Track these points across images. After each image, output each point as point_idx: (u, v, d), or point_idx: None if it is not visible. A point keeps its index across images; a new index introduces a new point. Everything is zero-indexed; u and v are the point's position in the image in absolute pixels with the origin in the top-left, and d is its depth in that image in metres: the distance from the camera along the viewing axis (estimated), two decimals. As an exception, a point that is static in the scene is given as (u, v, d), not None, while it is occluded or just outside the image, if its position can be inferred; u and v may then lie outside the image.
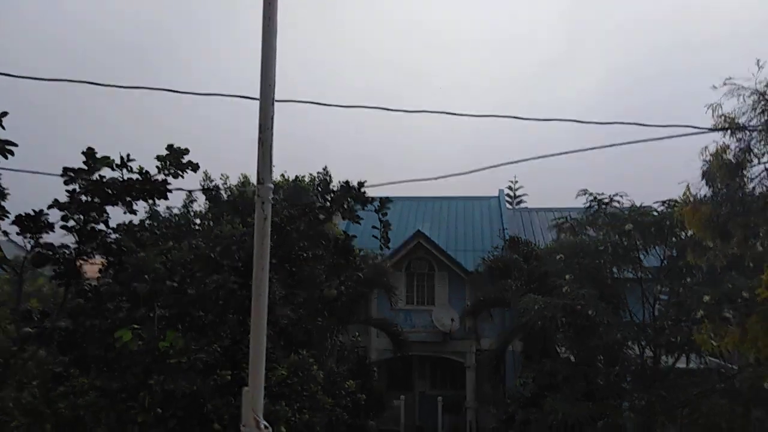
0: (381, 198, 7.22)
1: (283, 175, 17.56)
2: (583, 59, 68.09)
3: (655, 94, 61.22)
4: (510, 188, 43.61)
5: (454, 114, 6.78)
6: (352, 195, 6.84)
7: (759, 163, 6.47)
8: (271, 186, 2.79)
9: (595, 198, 15.07)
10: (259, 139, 2.78)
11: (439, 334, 19.49)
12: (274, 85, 2.78)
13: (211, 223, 14.57)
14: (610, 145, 6.12)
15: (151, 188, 6.23)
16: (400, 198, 21.41)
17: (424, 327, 19.86)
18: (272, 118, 2.80)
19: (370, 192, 7.42)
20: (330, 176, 16.67)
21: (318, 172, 18.33)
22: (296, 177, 16.88)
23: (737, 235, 6.54)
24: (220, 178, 19.48)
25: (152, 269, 6.91)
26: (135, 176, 6.21)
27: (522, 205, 38.17)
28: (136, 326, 6.11)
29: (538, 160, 6.76)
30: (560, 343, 14.64)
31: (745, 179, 6.60)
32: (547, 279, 14.66)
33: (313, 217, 7.50)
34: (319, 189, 8.45)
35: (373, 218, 8.43)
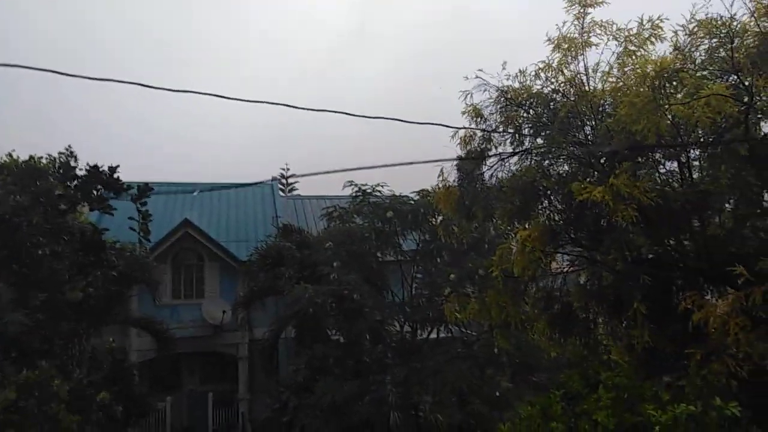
0: (139, 185, 6.40)
1: (11, 155, 14.35)
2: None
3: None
4: (282, 175, 43.84)
5: (225, 98, 6.36)
6: (103, 181, 5.92)
7: (496, 151, 7.54)
8: None
9: (360, 188, 16.09)
10: None
11: (210, 327, 18.63)
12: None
13: None
14: (409, 163, 6.42)
15: None
16: (164, 184, 19.70)
17: (193, 321, 18.74)
18: None
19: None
20: (75, 158, 13.81)
21: (60, 153, 15.43)
22: (30, 158, 13.77)
23: (479, 216, 7.57)
24: None
25: None
26: None
27: (295, 192, 38.69)
28: None
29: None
30: (331, 327, 15.24)
31: (486, 166, 7.63)
32: (317, 267, 15.09)
33: (51, 207, 6.30)
34: (60, 173, 7.08)
35: (131, 208, 7.51)
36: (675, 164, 6.98)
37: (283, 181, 39.99)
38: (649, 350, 6.50)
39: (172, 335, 16.69)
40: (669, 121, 6.29)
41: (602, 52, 7.28)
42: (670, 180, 7.08)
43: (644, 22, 6.94)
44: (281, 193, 24.94)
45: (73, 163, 11.77)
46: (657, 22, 6.85)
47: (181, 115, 67.03)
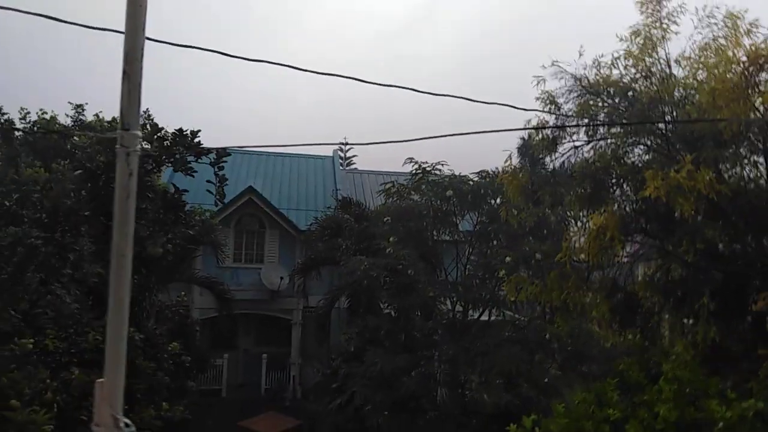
0: (217, 149, 6.68)
1: (97, 116, 15.21)
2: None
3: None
4: (341, 149, 44.31)
5: (297, 68, 6.50)
6: (186, 144, 6.23)
7: (570, 140, 7.40)
8: (139, 133, 2.26)
9: (420, 166, 16.08)
10: (124, 72, 2.20)
11: (267, 292, 19.33)
12: (146, 5, 2.26)
13: (4, 166, 12.21)
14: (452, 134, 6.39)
15: None
16: (231, 150, 20.38)
17: (252, 285, 19.51)
18: (143, 48, 2.23)
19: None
20: (154, 122, 14.47)
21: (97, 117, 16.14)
22: (113, 119, 14.58)
23: (545, 202, 7.49)
24: (19, 113, 16.21)
25: None
26: None
27: (352, 167, 39.10)
28: None
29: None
30: (383, 300, 15.50)
31: (558, 154, 7.52)
32: (374, 240, 15.32)
33: (139, 166, 6.72)
34: (146, 133, 7.50)
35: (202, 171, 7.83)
36: (761, 156, 6.65)
37: (342, 155, 40.48)
38: (715, 347, 6.33)
39: (231, 296, 17.47)
40: (757, 112, 5.99)
41: (687, 39, 6.96)
42: (756, 174, 6.74)
43: (733, 14, 6.56)
44: (340, 167, 25.29)
45: (149, 127, 12.42)
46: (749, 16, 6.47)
47: (248, 86, 68.49)
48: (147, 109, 15.90)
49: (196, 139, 6.39)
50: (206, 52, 3.84)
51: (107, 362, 2.26)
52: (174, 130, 6.35)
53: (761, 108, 5.83)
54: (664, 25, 6.95)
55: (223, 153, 6.53)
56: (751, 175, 6.87)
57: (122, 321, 2.28)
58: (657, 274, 7.29)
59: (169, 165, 6.82)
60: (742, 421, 4.52)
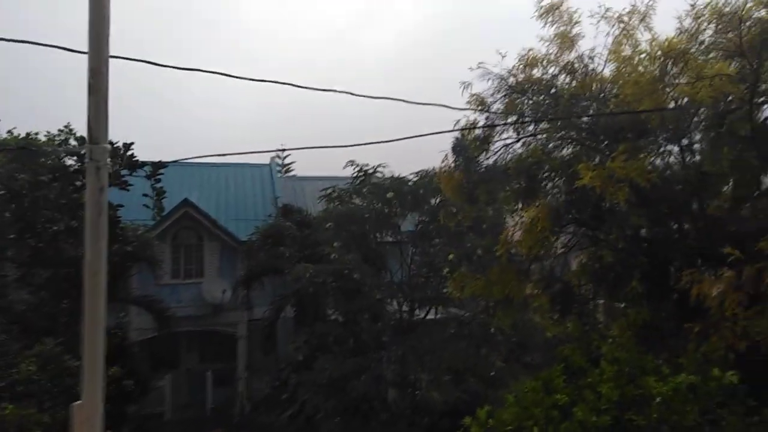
0: (154, 162, 6.42)
1: (11, 132, 14.02)
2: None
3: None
4: (279, 156, 43.68)
5: (232, 76, 6.38)
6: (119, 158, 5.97)
7: (500, 138, 7.67)
8: (108, 147, 2.19)
9: (361, 169, 16.16)
10: (90, 86, 2.16)
11: (209, 306, 18.78)
12: (109, 19, 2.17)
13: None
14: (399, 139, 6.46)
15: None
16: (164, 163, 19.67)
17: (192, 300, 18.89)
18: (107, 60, 2.19)
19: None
20: (74, 134, 13.19)
21: (59, 130, 15.05)
22: (27, 134, 13.34)
23: (481, 200, 7.72)
24: None
25: None
26: None
27: (291, 173, 38.62)
28: None
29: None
30: (330, 306, 15.43)
31: (490, 152, 7.77)
32: (318, 246, 15.24)
33: (68, 183, 6.34)
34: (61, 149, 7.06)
35: (138, 185, 7.54)
36: (676, 147, 7.14)
37: (280, 161, 39.88)
38: (647, 327, 6.73)
39: (172, 314, 16.86)
40: (672, 102, 6.43)
41: (595, 36, 7.37)
42: (672, 162, 7.23)
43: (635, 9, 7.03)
44: (279, 174, 24.92)
45: (72, 141, 11.77)
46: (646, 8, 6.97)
47: (181, 94, 66.26)
48: (68, 123, 15.07)
49: (130, 152, 6.11)
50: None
51: (85, 385, 2.17)
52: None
53: (678, 99, 6.26)
54: (572, 29, 7.34)
55: (159, 165, 6.28)
56: (670, 163, 7.37)
57: (98, 343, 2.21)
58: (590, 262, 7.67)
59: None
60: (677, 394, 4.84)
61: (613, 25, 7.12)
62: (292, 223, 16.93)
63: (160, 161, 6.55)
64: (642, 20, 7.07)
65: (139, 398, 14.71)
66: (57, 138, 16.11)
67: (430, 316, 15.86)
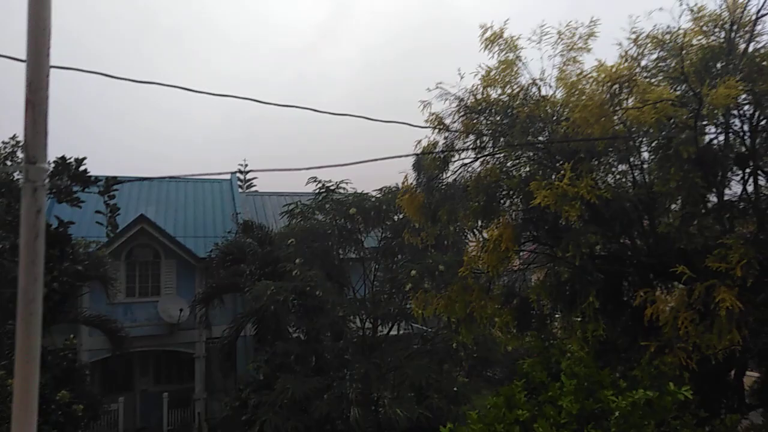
0: (107, 177, 6.23)
1: None
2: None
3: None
4: (240, 171, 43.17)
5: (191, 90, 6.30)
6: (70, 173, 5.76)
7: (459, 158, 7.79)
8: (46, 166, 2.07)
9: (323, 185, 16.13)
10: (28, 101, 2.05)
11: (166, 326, 18.23)
12: (50, 29, 2.06)
13: None
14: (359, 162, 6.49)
15: None
16: (120, 178, 19.13)
17: (148, 320, 18.29)
18: (48, 73, 2.08)
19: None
20: (20, 146, 12.52)
21: (3, 142, 14.33)
22: None
23: (443, 219, 7.79)
24: None
25: None
26: None
27: (253, 189, 38.17)
28: None
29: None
30: (292, 323, 15.23)
31: (449, 172, 7.88)
32: (279, 263, 15.05)
33: (13, 200, 6.07)
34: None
35: (91, 201, 7.27)
36: (627, 166, 7.41)
37: (242, 177, 39.39)
38: (603, 342, 6.90)
39: (126, 334, 16.30)
40: (621, 125, 6.69)
41: (540, 59, 7.63)
42: (624, 181, 7.50)
43: (576, 34, 7.33)
44: (240, 191, 24.57)
45: (20, 153, 11.27)
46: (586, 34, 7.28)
47: (141, 109, 64.87)
48: (14, 135, 14.46)
49: (82, 167, 5.90)
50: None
51: (14, 422, 2.02)
52: (55, 159, 5.82)
53: (626, 122, 6.52)
54: (515, 56, 7.59)
55: (113, 180, 6.08)
56: (622, 182, 7.64)
57: (33, 374, 2.05)
58: (548, 279, 7.83)
59: (52, 196, 6.21)
60: (635, 408, 4.97)
61: (555, 52, 7.40)
62: (252, 240, 16.67)
63: (114, 177, 6.35)
64: (584, 44, 7.35)
65: (89, 423, 14.09)
66: (2, 150, 15.48)
67: (394, 333, 15.83)
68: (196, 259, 18.71)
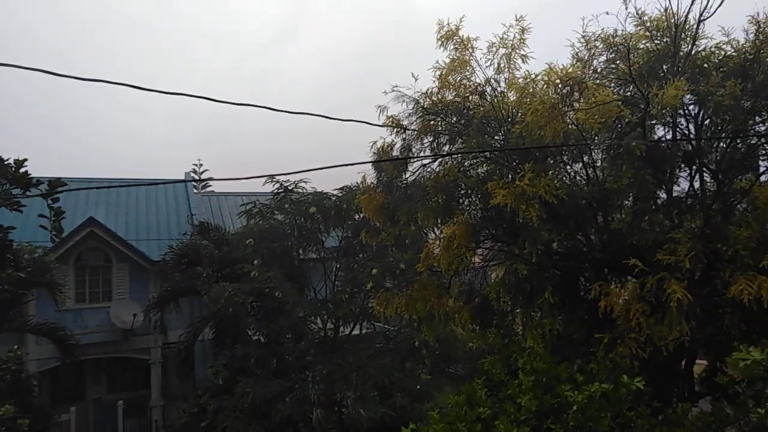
0: (50, 180, 5.91)
1: None
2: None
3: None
4: (195, 171, 42.19)
5: (142, 89, 6.05)
6: (9, 175, 5.43)
7: (417, 159, 7.80)
8: None
9: (282, 185, 15.89)
10: None
11: (119, 332, 17.61)
12: None
13: None
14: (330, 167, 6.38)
15: None
16: (67, 179, 18.36)
17: (99, 326, 17.63)
18: None
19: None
20: None
21: None
22: None
23: (402, 219, 7.78)
24: None
25: None
26: None
27: (208, 189, 37.31)
28: None
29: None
30: (251, 326, 14.96)
31: (408, 172, 7.89)
32: (237, 264, 14.76)
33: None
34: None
35: (34, 205, 6.92)
36: (580, 165, 7.58)
37: (197, 178, 38.43)
38: (561, 336, 7.04)
39: (76, 341, 15.67)
40: (572, 126, 6.83)
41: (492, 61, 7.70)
42: (578, 179, 7.66)
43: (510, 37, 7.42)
44: (195, 191, 23.96)
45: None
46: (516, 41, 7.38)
47: (97, 105, 62.35)
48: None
49: (22, 169, 5.57)
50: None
51: None
52: (-10, 162, 5.49)
53: (577, 123, 6.65)
54: (469, 55, 7.64)
55: (57, 183, 5.77)
56: (576, 180, 7.80)
57: None
58: (507, 276, 7.93)
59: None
60: (591, 401, 5.09)
61: (500, 54, 7.46)
62: (209, 242, 16.28)
63: (59, 178, 6.03)
64: (521, 44, 7.42)
65: (38, 436, 13.46)
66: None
67: (356, 332, 15.77)
68: (149, 262, 18.14)
